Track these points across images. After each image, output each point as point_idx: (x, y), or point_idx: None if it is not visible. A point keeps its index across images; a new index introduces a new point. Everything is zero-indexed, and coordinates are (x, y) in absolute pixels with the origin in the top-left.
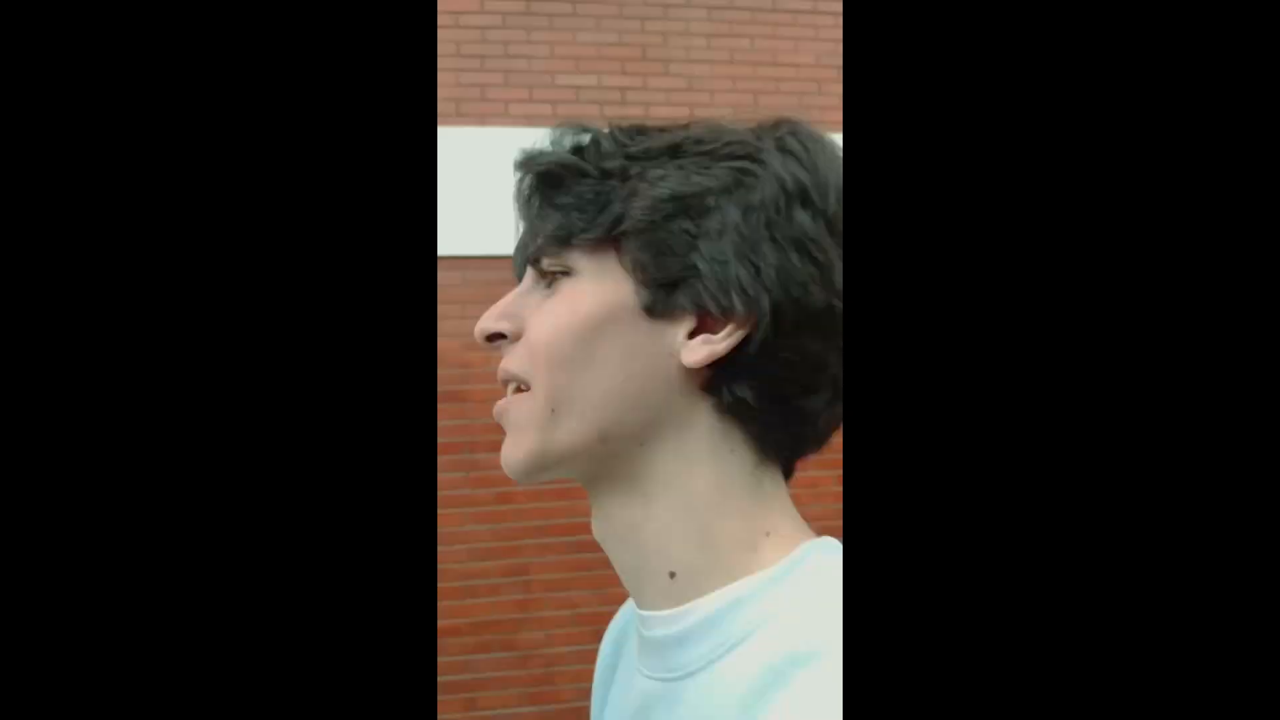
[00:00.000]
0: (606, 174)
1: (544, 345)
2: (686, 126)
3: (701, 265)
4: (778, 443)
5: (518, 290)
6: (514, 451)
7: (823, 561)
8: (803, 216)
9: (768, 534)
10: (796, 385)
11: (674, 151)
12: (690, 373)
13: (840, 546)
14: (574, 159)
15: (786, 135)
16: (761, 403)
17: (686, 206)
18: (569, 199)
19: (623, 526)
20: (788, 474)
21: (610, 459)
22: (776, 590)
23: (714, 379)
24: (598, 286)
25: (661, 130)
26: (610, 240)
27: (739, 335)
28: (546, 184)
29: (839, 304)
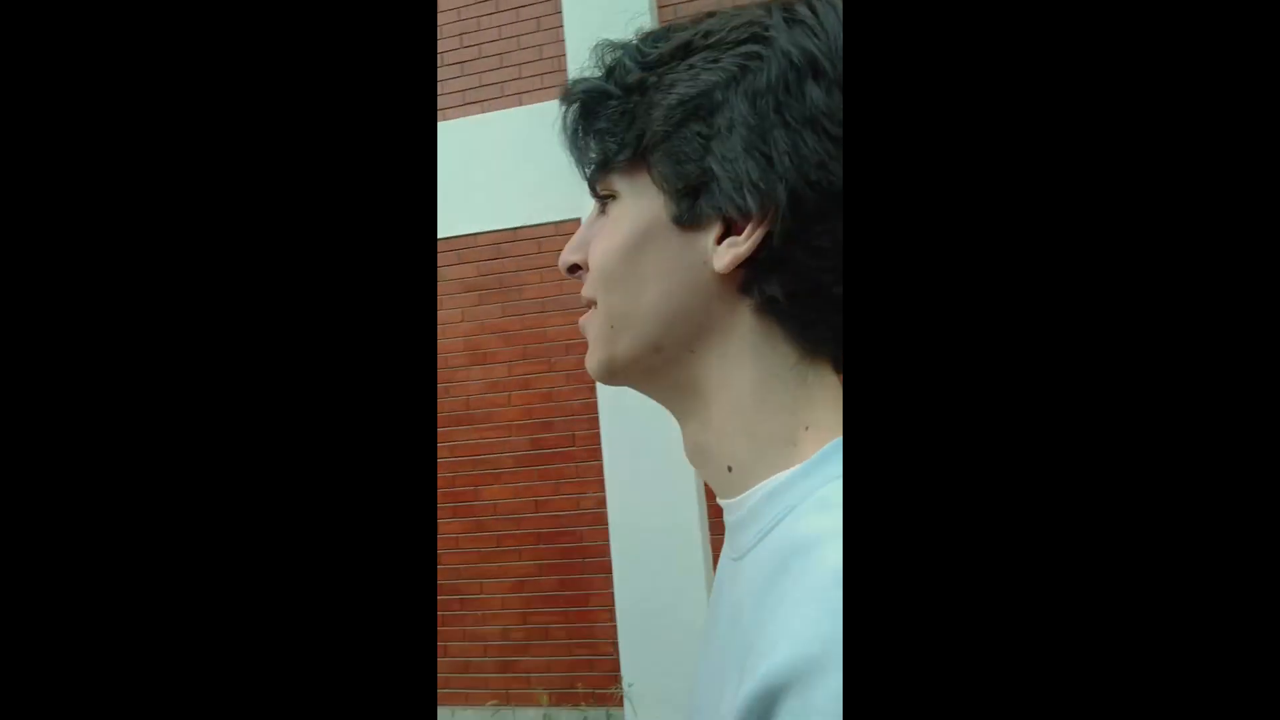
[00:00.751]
0: (629, 90)
1: (598, 268)
2: (702, 19)
3: (715, 168)
4: (820, 337)
5: (586, 221)
6: (590, 361)
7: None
8: (815, 91)
9: (807, 428)
10: (830, 273)
11: (685, 51)
12: (725, 278)
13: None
14: (600, 84)
15: (797, 3)
16: (793, 297)
17: (697, 108)
18: (603, 124)
19: (696, 436)
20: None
21: (670, 368)
22: (802, 483)
23: (747, 280)
24: (635, 205)
25: (678, 30)
26: (641, 157)
27: (760, 233)
28: (584, 114)
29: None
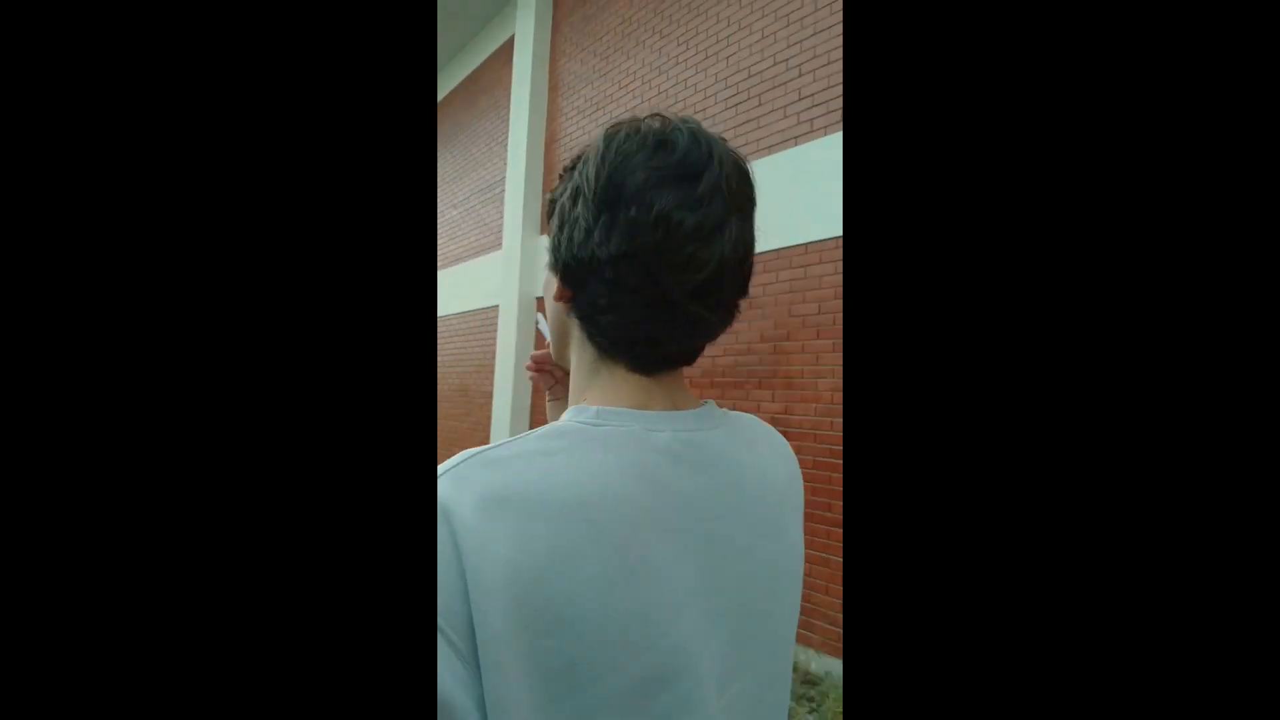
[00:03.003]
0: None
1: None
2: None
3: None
4: (601, 346)
5: None
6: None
7: (566, 418)
8: (580, 205)
9: (585, 397)
10: (591, 308)
11: (567, 175)
12: (567, 305)
13: (589, 408)
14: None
15: (598, 142)
16: (582, 319)
17: (555, 213)
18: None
19: None
20: (652, 368)
21: (564, 359)
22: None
23: (571, 308)
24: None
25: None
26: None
27: (555, 281)
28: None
29: (600, 251)
